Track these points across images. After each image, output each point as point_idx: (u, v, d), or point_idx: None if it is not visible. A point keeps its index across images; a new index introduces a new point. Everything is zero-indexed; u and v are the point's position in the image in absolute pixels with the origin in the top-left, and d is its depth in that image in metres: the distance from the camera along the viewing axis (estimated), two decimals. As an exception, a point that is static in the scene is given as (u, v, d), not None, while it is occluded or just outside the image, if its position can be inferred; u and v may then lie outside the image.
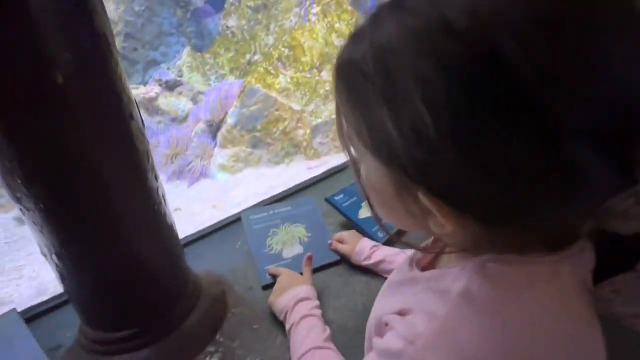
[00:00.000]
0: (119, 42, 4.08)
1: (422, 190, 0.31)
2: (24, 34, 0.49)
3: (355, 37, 0.32)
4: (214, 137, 2.42)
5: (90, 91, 0.57)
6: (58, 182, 0.59)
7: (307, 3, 2.69)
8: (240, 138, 2.35)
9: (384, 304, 0.45)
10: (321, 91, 2.46)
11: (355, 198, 1.31)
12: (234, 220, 1.45)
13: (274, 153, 2.42)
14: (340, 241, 1.11)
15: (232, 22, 3.51)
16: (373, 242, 1.05)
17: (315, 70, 2.48)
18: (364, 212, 1.26)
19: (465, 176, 0.28)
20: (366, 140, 0.34)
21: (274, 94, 2.31)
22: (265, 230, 1.17)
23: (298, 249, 1.14)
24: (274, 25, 3.15)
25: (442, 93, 0.26)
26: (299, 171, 2.36)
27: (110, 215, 0.66)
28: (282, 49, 2.44)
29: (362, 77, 0.30)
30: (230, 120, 2.30)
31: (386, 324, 0.38)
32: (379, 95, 0.29)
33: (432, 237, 0.48)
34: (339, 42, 2.58)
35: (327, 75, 2.49)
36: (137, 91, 2.85)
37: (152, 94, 2.77)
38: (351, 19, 2.64)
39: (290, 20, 3.00)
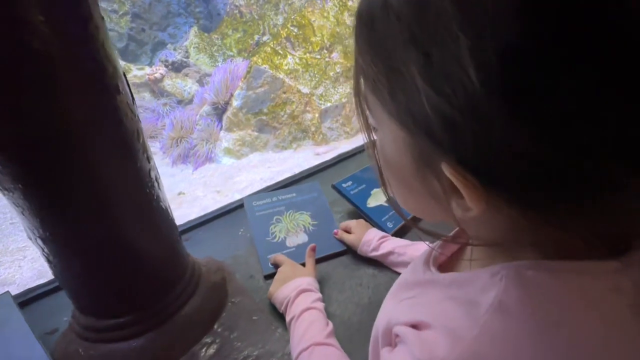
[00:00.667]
0: (126, 23, 4.01)
1: (449, 161, 0.25)
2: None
3: None
4: (220, 119, 2.36)
5: (68, 58, 0.51)
6: (37, 160, 0.54)
7: (318, -20, 2.56)
8: (246, 122, 2.29)
9: (394, 309, 0.38)
10: (331, 73, 2.37)
11: (364, 186, 1.24)
12: (237, 206, 1.41)
13: (281, 138, 2.36)
14: (347, 230, 1.05)
15: (240, 1, 3.38)
16: (381, 233, 0.99)
17: (325, 51, 2.38)
18: (373, 201, 1.19)
19: (511, 143, 0.22)
20: (386, 99, 0.27)
21: (281, 75, 2.23)
22: (268, 218, 1.12)
23: (302, 238, 1.08)
24: (283, 5, 3.03)
25: (501, 34, 0.20)
26: (306, 157, 2.30)
27: (96, 196, 0.61)
28: (291, 27, 2.34)
29: (387, 19, 0.24)
30: (236, 102, 2.24)
31: (397, 336, 0.32)
32: (408, 40, 0.23)
33: (454, 230, 0.41)
34: (351, 21, 2.46)
35: (338, 56, 2.39)
36: (142, 72, 2.79)
37: (157, 75, 2.71)
38: (364, -3, 2.52)
39: (299, 0, 2.88)
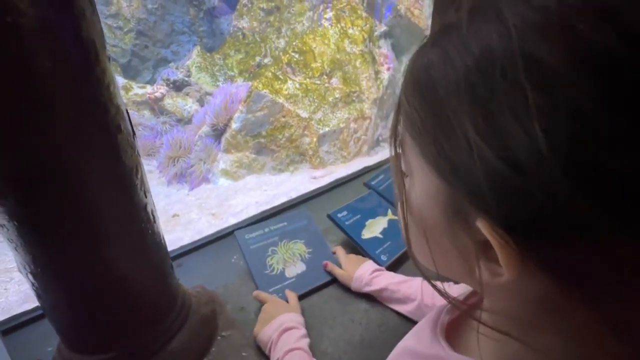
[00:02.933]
0: (130, 40, 4.09)
1: (487, 219, 0.23)
2: (1, 38, 0.44)
3: (441, 37, 0.25)
4: (218, 141, 2.38)
5: (73, 101, 0.52)
6: (33, 197, 0.54)
7: (321, 7, 2.65)
8: (244, 144, 2.31)
9: None
10: (330, 99, 2.41)
11: (359, 216, 1.25)
12: (231, 232, 1.40)
13: (278, 160, 2.38)
14: (339, 257, 1.05)
15: (244, 23, 3.49)
16: (374, 266, 0.99)
17: (325, 77, 2.44)
18: (368, 232, 1.19)
19: (570, 214, 0.20)
20: (427, 146, 0.26)
21: (281, 100, 2.27)
22: (263, 250, 1.11)
23: (301, 267, 1.08)
24: (285, 29, 3.12)
25: (578, 96, 0.19)
26: (302, 180, 2.31)
27: (91, 233, 0.61)
28: (292, 53, 2.40)
29: (444, 66, 0.24)
30: (235, 125, 2.26)
31: None
32: (464, 89, 0.22)
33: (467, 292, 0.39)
34: (351, 48, 2.53)
35: (337, 82, 2.45)
36: (143, 91, 2.83)
37: (158, 94, 2.74)
38: (365, 25, 2.60)
39: (303, 24, 2.96)
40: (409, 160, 0.30)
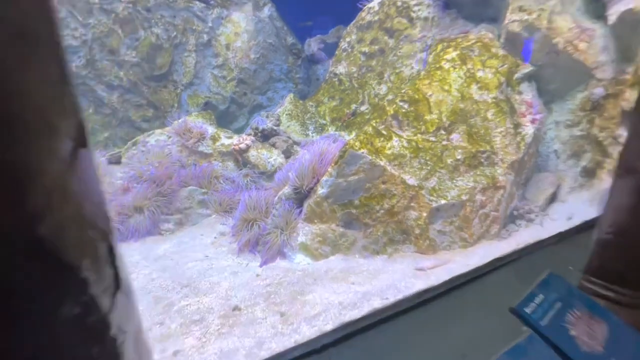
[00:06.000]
0: (231, 87, 4.21)
1: None
2: None
3: None
4: (300, 206, 1.94)
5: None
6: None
7: (439, 47, 2.10)
8: (331, 213, 1.82)
9: None
10: (449, 161, 1.78)
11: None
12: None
13: (372, 238, 1.80)
14: None
15: (341, 68, 3.18)
16: None
17: (443, 133, 1.83)
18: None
19: None
20: None
21: (382, 161, 1.74)
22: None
23: None
24: (389, 73, 2.67)
25: None
26: (405, 271, 1.68)
27: None
28: (400, 103, 1.88)
29: None
30: (321, 190, 1.80)
31: None
32: None
33: None
34: (480, 95, 1.89)
35: (459, 139, 1.81)
36: (230, 141, 2.65)
37: (243, 146, 2.50)
38: (502, 66, 1.94)
39: (411, 68, 2.46)
40: None
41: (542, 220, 2.02)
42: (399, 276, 1.65)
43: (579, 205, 2.12)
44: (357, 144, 1.73)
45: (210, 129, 2.67)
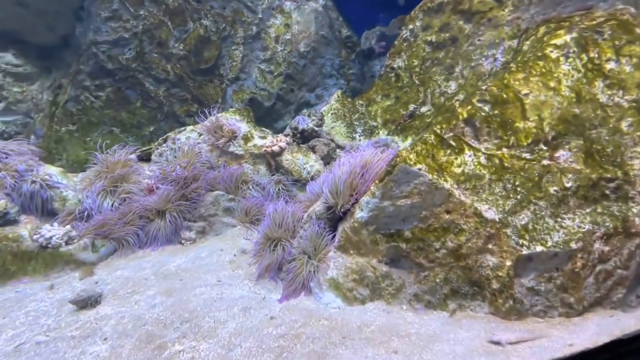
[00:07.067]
0: (278, 83, 3.92)
1: None
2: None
3: None
4: (334, 229, 1.53)
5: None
6: None
7: (541, 29, 1.53)
8: (372, 245, 1.38)
9: None
10: (552, 190, 1.23)
11: None
12: None
13: (428, 285, 1.32)
14: None
15: (399, 62, 2.64)
16: None
17: (544, 148, 1.28)
18: None
19: None
20: None
21: (447, 183, 1.25)
22: None
23: None
24: (461, 67, 2.12)
25: None
26: (473, 341, 1.17)
27: None
28: (479, 103, 1.36)
29: None
30: (360, 213, 1.36)
31: None
32: None
33: None
34: (609, 97, 1.29)
35: (570, 158, 1.24)
36: (263, 142, 2.31)
37: (276, 148, 2.15)
38: (646, 54, 1.32)
39: (494, 60, 1.89)
40: None
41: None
42: (464, 350, 1.14)
43: None
44: (413, 156, 1.26)
45: (244, 127, 2.37)
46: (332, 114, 2.83)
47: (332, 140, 2.55)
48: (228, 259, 1.84)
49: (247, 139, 2.33)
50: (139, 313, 1.42)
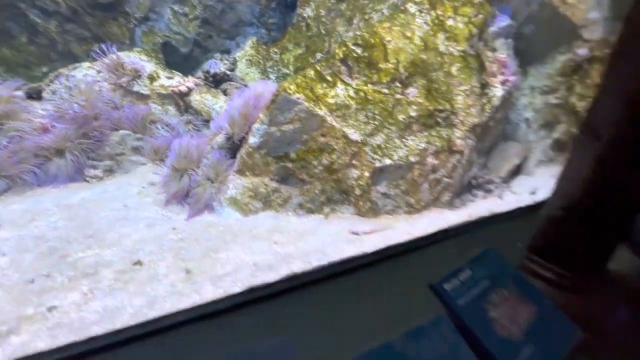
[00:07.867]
0: (194, 28, 3.77)
1: None
2: None
3: None
4: (233, 157, 1.73)
5: None
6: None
7: (406, -16, 1.81)
8: (264, 166, 1.62)
9: None
10: (401, 117, 1.58)
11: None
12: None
13: (309, 196, 1.63)
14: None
15: (309, 11, 2.82)
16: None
17: (398, 85, 1.61)
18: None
19: None
20: None
21: (321, 111, 1.52)
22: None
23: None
24: (358, 19, 2.37)
25: None
26: (338, 234, 1.53)
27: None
28: (353, 47, 1.63)
29: None
30: (253, 139, 1.58)
31: None
32: None
33: None
34: (447, 47, 1.65)
35: (416, 93, 1.59)
36: (170, 82, 2.34)
37: (183, 88, 2.22)
38: (476, 15, 1.68)
39: (382, 14, 2.17)
40: None
41: (502, 192, 1.88)
42: (330, 239, 1.49)
43: (546, 179, 1.96)
44: (293, 87, 1.49)
45: (149, 67, 2.35)
46: (246, 59, 2.91)
47: (246, 86, 2.67)
48: (137, 191, 1.94)
49: (152, 78, 2.33)
50: (41, 234, 1.49)
